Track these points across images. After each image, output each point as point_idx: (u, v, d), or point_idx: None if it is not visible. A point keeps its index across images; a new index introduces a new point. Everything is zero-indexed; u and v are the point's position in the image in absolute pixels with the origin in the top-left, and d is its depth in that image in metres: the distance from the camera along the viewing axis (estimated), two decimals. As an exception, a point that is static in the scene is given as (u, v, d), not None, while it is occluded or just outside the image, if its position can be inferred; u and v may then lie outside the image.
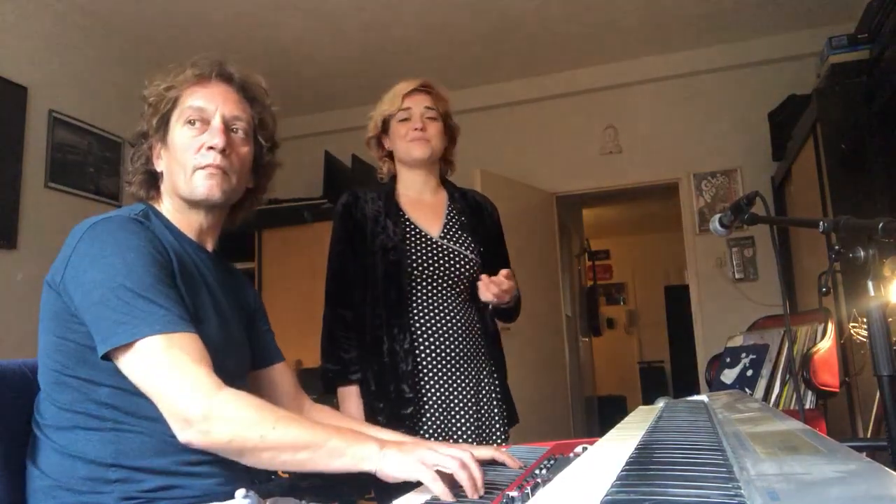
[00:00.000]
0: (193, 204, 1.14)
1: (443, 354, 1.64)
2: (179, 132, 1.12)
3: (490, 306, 1.68)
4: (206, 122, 1.12)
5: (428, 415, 1.61)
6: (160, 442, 0.98)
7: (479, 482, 0.82)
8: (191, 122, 1.12)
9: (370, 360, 1.63)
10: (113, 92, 3.61)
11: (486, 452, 1.00)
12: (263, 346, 1.27)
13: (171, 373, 0.91)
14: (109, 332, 0.93)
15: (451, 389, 1.64)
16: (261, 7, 3.51)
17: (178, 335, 0.94)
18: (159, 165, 1.16)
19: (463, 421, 1.64)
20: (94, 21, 3.53)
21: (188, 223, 1.15)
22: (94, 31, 3.58)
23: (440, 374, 1.63)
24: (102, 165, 3.54)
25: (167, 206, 1.16)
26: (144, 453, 0.98)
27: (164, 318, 0.94)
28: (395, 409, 1.58)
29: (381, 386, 1.61)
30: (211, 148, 1.10)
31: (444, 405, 1.63)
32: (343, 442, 0.91)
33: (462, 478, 0.82)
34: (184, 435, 0.91)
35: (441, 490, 0.81)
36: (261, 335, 1.28)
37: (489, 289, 1.58)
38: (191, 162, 1.11)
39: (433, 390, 1.62)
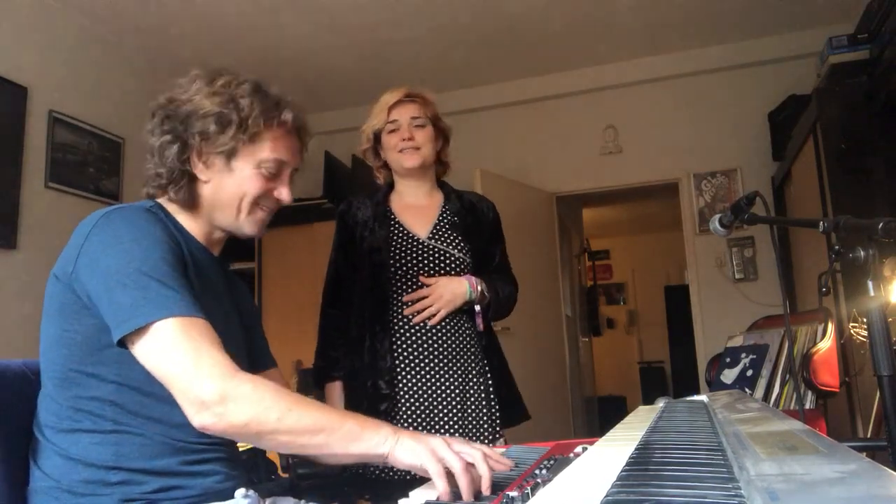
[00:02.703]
0: (224, 229, 1.18)
1: (423, 353, 1.68)
2: (251, 173, 1.13)
3: (476, 309, 1.74)
4: (279, 174, 1.17)
5: (403, 409, 1.65)
6: (160, 443, 0.99)
7: (486, 482, 0.82)
8: (270, 173, 1.15)
9: (353, 358, 1.71)
10: (113, 92, 3.61)
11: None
12: (259, 352, 1.30)
13: (186, 355, 0.91)
14: (126, 315, 0.93)
15: (431, 387, 1.67)
16: (261, 7, 3.51)
17: (193, 319, 0.94)
18: (203, 173, 1.13)
19: (446, 419, 1.67)
20: (94, 21, 3.53)
21: (201, 229, 1.17)
22: (94, 32, 3.58)
23: (419, 371, 1.68)
24: (102, 165, 3.54)
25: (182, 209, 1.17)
26: (144, 455, 0.98)
27: (180, 303, 0.94)
28: (371, 404, 1.63)
29: (361, 382, 1.67)
30: (278, 200, 1.18)
31: (422, 403, 1.66)
32: (358, 426, 0.91)
33: (461, 480, 0.81)
34: (199, 418, 0.90)
35: (443, 488, 0.81)
36: (257, 341, 1.30)
37: (421, 315, 1.68)
38: (251, 201, 1.15)
39: (409, 386, 1.66)
